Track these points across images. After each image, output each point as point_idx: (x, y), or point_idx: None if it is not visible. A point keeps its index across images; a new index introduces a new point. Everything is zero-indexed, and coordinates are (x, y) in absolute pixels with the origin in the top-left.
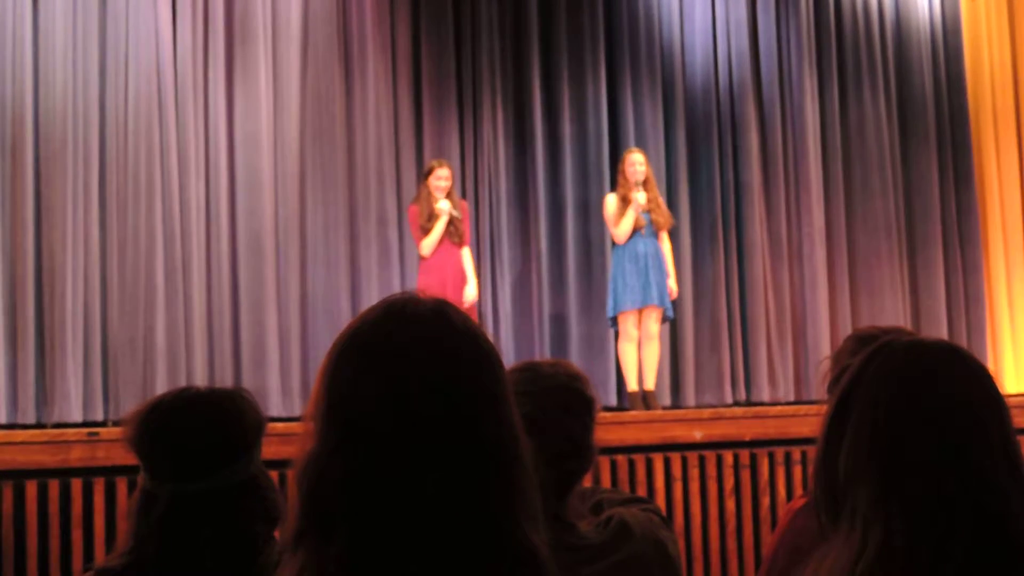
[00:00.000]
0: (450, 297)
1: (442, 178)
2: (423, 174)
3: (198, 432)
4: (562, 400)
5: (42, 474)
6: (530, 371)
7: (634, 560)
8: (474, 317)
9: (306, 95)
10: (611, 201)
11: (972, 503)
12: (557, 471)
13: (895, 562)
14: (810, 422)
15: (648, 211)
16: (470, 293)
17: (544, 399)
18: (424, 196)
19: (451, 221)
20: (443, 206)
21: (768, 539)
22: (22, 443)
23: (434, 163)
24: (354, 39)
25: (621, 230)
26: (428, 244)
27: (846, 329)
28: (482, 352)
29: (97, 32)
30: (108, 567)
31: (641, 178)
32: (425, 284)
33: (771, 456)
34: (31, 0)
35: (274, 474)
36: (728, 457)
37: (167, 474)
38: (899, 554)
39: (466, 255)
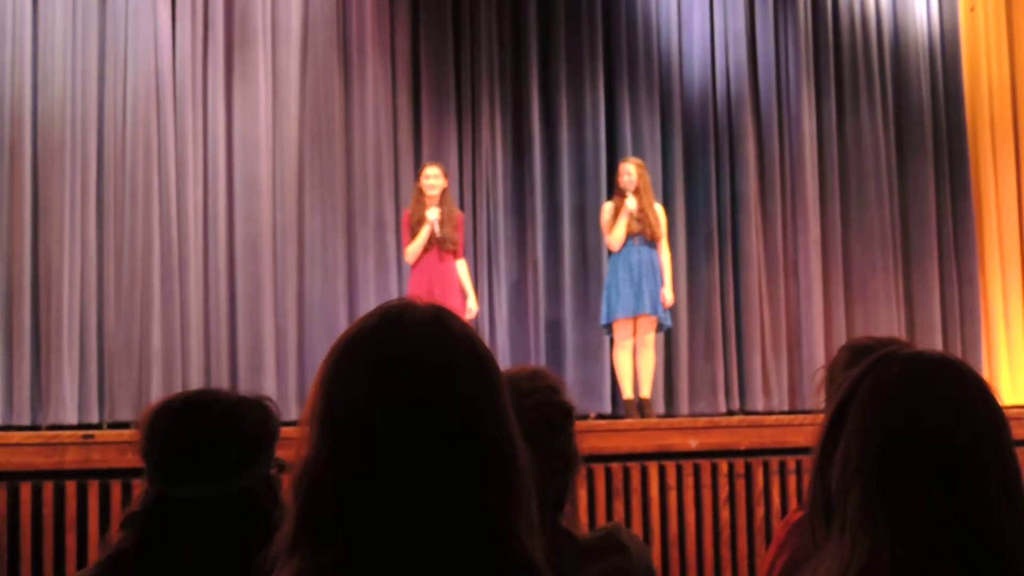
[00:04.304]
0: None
1: (430, 176)
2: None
3: (189, 436)
4: (545, 416)
5: (36, 476)
6: (511, 388)
7: (624, 571)
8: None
9: (305, 99)
10: (606, 209)
11: (959, 517)
12: (551, 481)
13: (881, 574)
14: (806, 432)
15: (640, 219)
16: (471, 308)
17: (527, 418)
18: (416, 199)
19: (434, 232)
20: (430, 215)
21: (762, 549)
22: (17, 445)
23: (425, 164)
24: (353, 44)
25: (613, 237)
26: (411, 251)
27: (840, 340)
28: (479, 359)
29: (96, 34)
30: (103, 561)
31: (632, 187)
32: (413, 292)
33: (766, 465)
34: (31, 1)
35: None
36: (723, 466)
37: (156, 476)
38: (885, 566)
39: (462, 267)
